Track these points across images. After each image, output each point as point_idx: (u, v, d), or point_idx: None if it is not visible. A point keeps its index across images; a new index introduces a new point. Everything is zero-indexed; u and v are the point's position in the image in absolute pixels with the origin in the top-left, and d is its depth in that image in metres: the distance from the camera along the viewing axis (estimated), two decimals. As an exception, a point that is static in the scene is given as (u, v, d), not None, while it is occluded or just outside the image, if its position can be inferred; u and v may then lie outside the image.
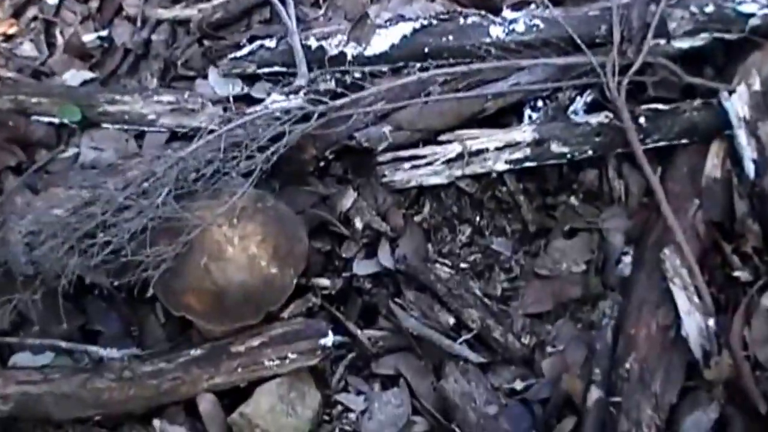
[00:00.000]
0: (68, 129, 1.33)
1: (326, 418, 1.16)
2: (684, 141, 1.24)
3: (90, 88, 1.32)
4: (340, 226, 1.25)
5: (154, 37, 1.48)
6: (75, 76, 1.44)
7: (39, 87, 1.35)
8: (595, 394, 1.11)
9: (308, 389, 1.13)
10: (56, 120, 1.31)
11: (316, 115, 1.16)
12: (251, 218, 1.09)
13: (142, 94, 1.31)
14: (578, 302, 1.22)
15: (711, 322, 1.08)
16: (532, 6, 1.34)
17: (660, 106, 1.24)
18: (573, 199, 1.28)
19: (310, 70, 1.27)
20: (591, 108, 1.27)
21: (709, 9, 1.24)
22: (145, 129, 1.31)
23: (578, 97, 1.28)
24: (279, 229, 1.11)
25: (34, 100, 1.32)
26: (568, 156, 1.24)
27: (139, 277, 1.05)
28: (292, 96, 1.20)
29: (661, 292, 1.13)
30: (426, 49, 1.30)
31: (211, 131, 1.11)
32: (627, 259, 1.22)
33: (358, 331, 1.20)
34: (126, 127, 1.31)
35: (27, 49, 1.53)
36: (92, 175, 1.19)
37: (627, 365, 1.08)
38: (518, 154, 1.24)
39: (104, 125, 1.31)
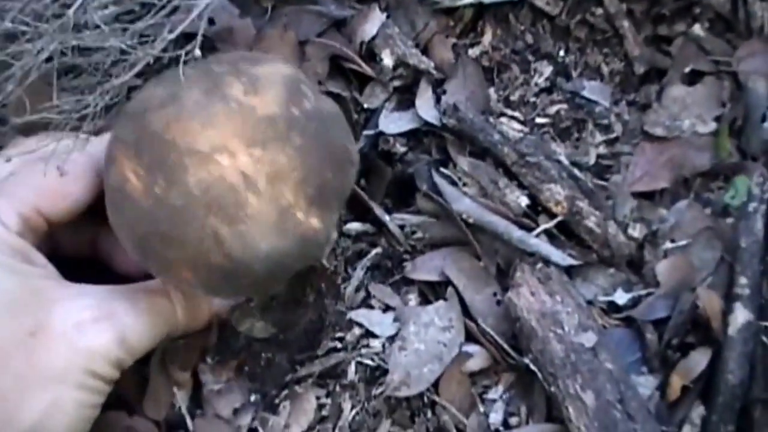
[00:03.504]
0: None
1: (338, 345, 0.80)
2: None
3: None
4: (360, 63, 0.90)
5: None
6: None
7: None
8: (740, 315, 0.77)
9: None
10: None
11: None
12: (285, 139, 0.64)
13: None
14: (707, 176, 0.89)
15: None
16: None
17: None
18: (696, 29, 0.95)
19: None
20: None
21: None
22: None
23: None
24: (326, 152, 0.67)
25: None
26: (699, -41, 0.90)
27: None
28: None
29: (836, 164, 0.81)
30: None
31: None
32: (776, 116, 0.90)
33: (386, 216, 0.85)
34: None
35: None
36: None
37: (788, 273, 0.78)
38: (625, -45, 0.90)
39: None
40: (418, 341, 0.78)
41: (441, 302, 0.81)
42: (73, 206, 0.69)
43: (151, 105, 0.63)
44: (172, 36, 0.71)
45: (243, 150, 0.62)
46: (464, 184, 0.84)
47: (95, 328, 0.63)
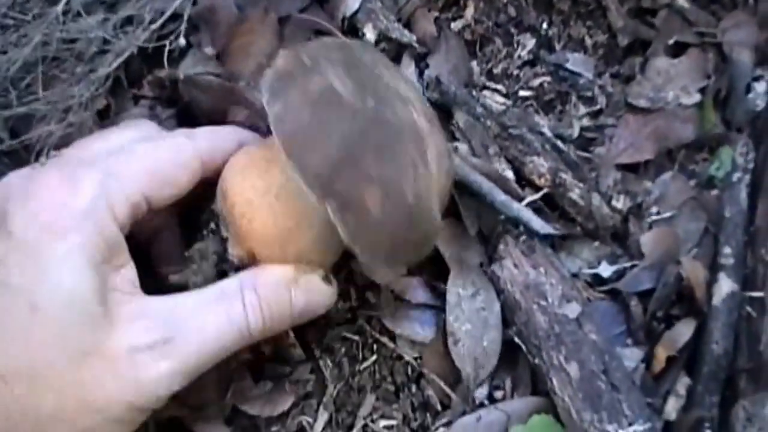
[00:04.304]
0: None
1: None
2: None
3: None
4: (342, 38, 0.88)
5: None
6: None
7: None
8: (724, 285, 0.77)
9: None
10: None
11: None
12: (440, 132, 0.71)
13: None
14: (691, 148, 0.88)
15: None
16: None
17: None
18: (680, 0, 0.93)
19: None
20: None
21: None
22: None
23: None
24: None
25: None
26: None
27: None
28: None
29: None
30: None
31: None
32: (761, 87, 0.88)
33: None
34: None
35: None
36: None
37: (773, 243, 0.77)
38: (608, -77, 0.88)
39: None
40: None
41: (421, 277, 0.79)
42: (176, 194, 0.65)
43: (352, 44, 0.71)
44: (156, 26, 0.71)
45: (424, 119, 0.67)
46: (456, 139, 0.83)
47: (148, 357, 0.59)
